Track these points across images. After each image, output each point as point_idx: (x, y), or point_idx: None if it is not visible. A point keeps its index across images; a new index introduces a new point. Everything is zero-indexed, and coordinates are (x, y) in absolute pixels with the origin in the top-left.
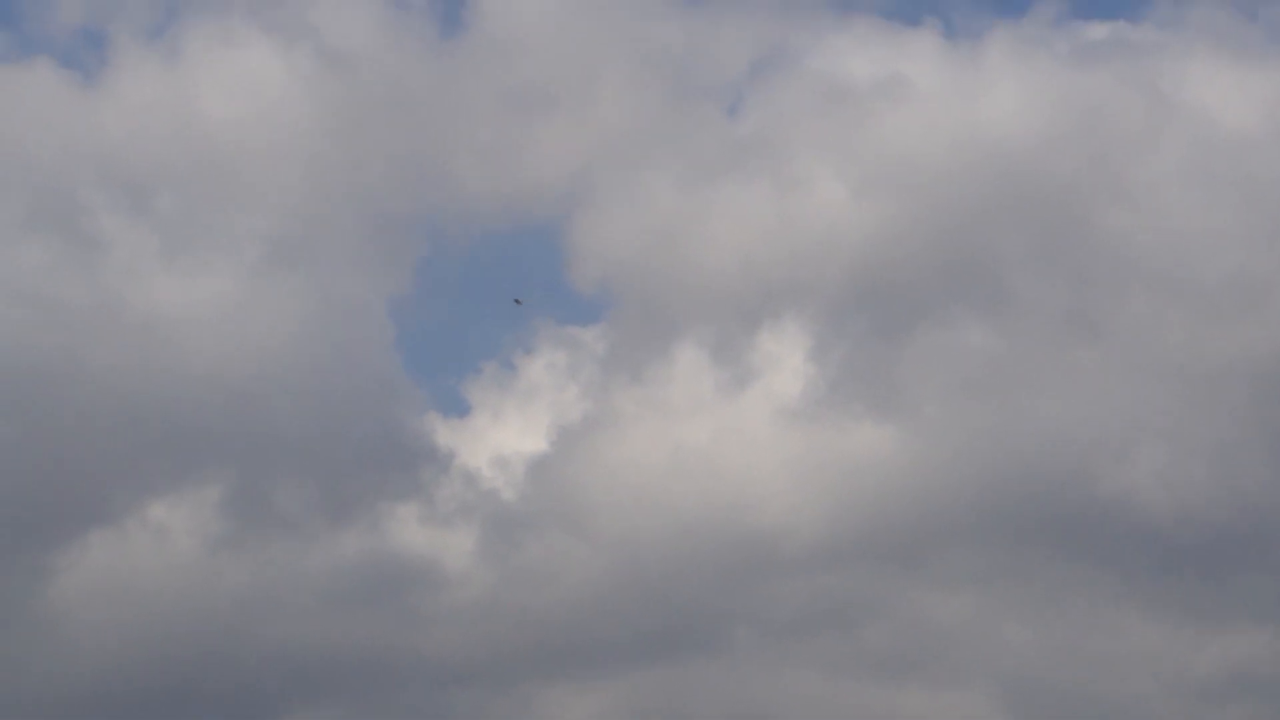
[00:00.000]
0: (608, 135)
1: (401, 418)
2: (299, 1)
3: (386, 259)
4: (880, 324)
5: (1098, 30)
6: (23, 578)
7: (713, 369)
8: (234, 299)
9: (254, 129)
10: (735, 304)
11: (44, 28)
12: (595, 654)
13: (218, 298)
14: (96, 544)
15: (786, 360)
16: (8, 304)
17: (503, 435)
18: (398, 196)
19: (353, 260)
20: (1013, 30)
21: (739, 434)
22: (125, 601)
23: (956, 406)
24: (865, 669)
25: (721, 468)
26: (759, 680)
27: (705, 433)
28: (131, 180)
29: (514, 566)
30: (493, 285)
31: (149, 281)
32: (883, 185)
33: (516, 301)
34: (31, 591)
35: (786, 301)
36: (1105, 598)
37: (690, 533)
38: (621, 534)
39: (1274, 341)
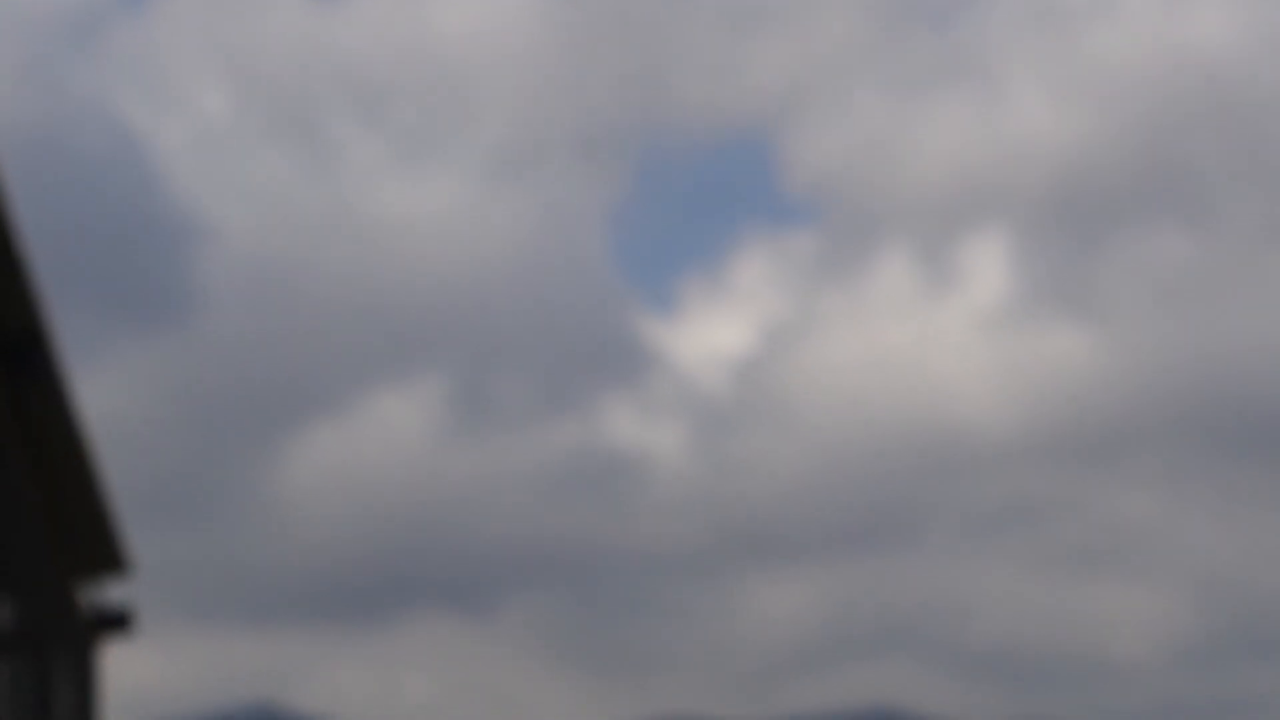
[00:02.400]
0: (821, 49)
1: (616, 318)
2: None
3: (605, 168)
4: (1081, 232)
5: None
6: (256, 466)
7: (917, 274)
8: (461, 204)
9: (483, 42)
10: (940, 212)
11: None
12: (797, 545)
13: (446, 203)
14: (326, 434)
15: (988, 266)
16: (248, 207)
17: (713, 336)
18: (618, 108)
19: (573, 169)
20: None
21: (941, 337)
22: (353, 490)
23: (1154, 313)
24: (1057, 564)
25: (923, 370)
26: (953, 571)
27: (908, 336)
28: (366, 91)
29: (720, 461)
30: (707, 193)
31: (381, 187)
32: (1087, 95)
33: None
34: (265, 478)
35: (990, 210)
36: None
37: (891, 431)
38: (825, 432)
39: None
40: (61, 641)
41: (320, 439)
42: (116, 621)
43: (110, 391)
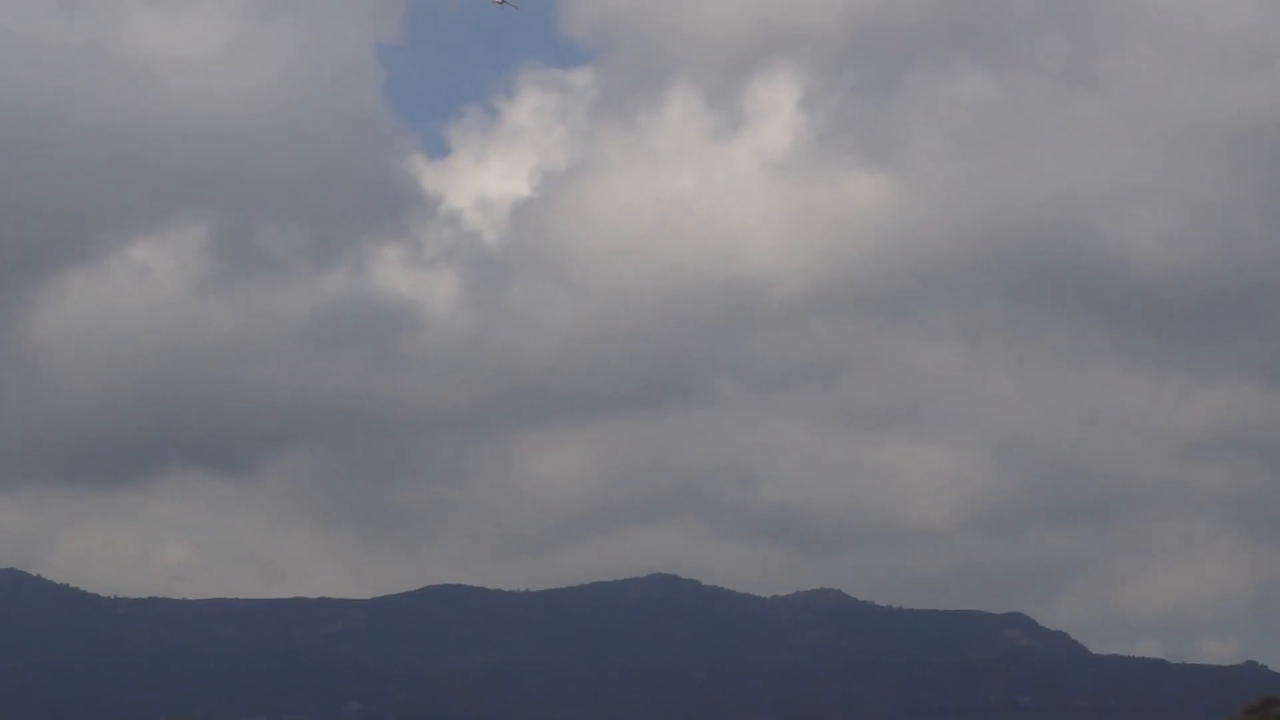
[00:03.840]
0: None
1: (388, 161)
2: None
3: (379, 5)
4: (875, 73)
5: None
6: (2, 315)
7: (703, 116)
8: (223, 41)
9: None
10: (729, 50)
11: None
12: (576, 401)
13: (207, 40)
14: (77, 283)
15: (778, 108)
16: None
17: (487, 178)
18: None
19: (344, 4)
20: None
21: (728, 183)
22: (105, 342)
23: (951, 159)
24: (850, 420)
25: (709, 217)
26: (741, 431)
27: (693, 180)
28: None
29: (496, 311)
30: (482, 30)
31: (137, 22)
32: None
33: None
34: (10, 329)
35: (781, 48)
36: (1095, 355)
37: (675, 281)
38: (605, 281)
39: (1276, 99)
40: None
41: (71, 289)
42: None
43: None
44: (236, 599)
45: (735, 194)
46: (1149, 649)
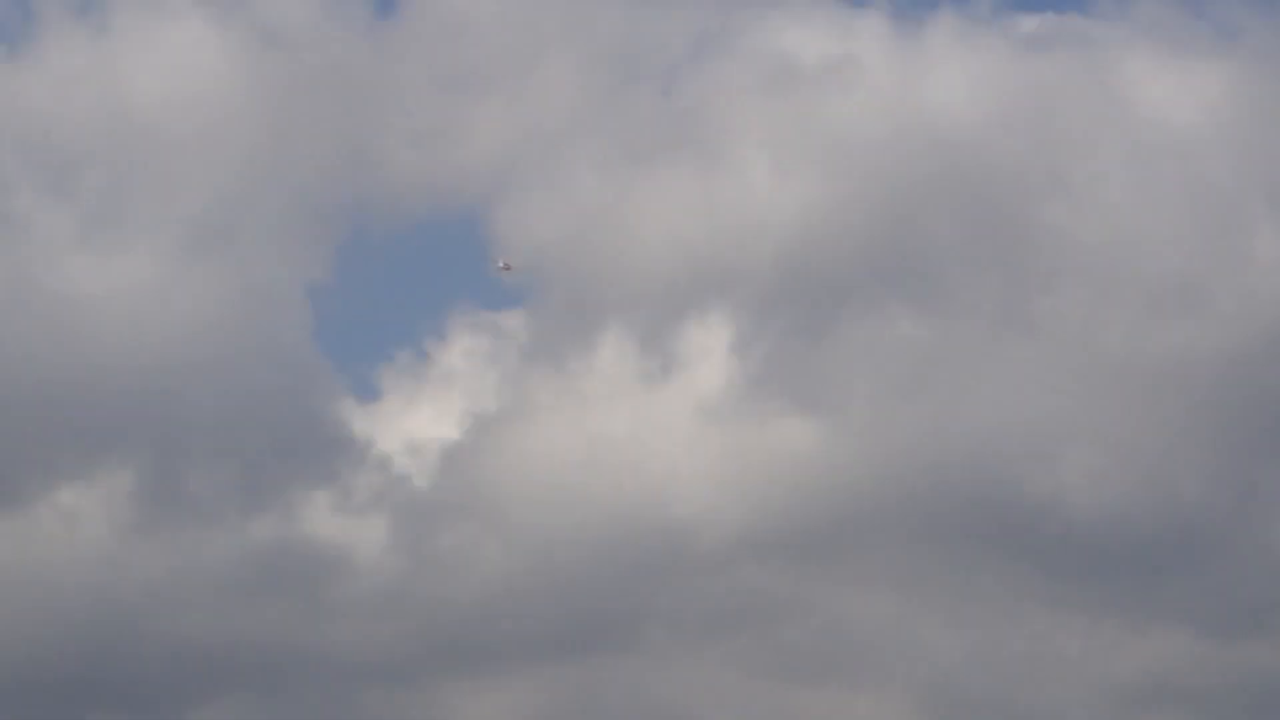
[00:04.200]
0: (539, 120)
1: (317, 404)
2: None
3: (309, 244)
4: (808, 315)
5: (1044, 21)
6: None
7: (636, 359)
8: (152, 282)
9: (182, 107)
10: (661, 292)
11: None
12: (506, 649)
13: (136, 280)
14: (3, 530)
15: (711, 352)
16: None
17: (417, 422)
18: (324, 181)
19: (275, 245)
20: (959, 15)
21: (659, 426)
22: (29, 589)
23: (883, 402)
24: (782, 669)
25: (640, 461)
26: (672, 679)
27: (625, 424)
28: (53, 156)
29: (425, 557)
30: (414, 272)
31: (66, 262)
32: (818, 169)
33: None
34: None
35: (714, 290)
36: (1029, 600)
37: (606, 526)
38: (535, 526)
39: (1212, 345)
40: None
41: None
42: None
43: None
44: None
45: (667, 438)
46: None
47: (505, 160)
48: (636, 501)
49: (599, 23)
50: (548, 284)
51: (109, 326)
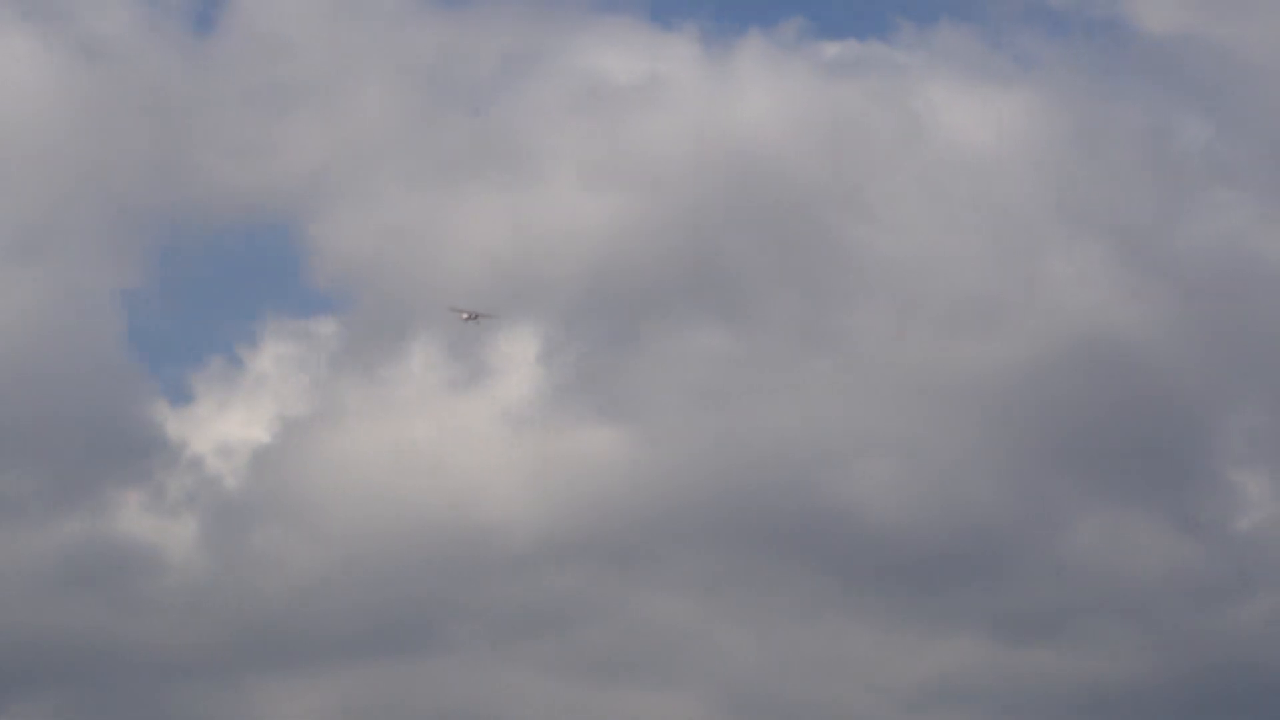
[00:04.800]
0: (354, 135)
1: (129, 406)
2: None
3: (125, 252)
4: (614, 326)
5: (847, 47)
6: None
7: (445, 367)
8: None
9: (1, 117)
10: (471, 301)
11: None
12: (315, 647)
13: None
14: None
15: (519, 361)
16: None
17: (229, 425)
18: (142, 190)
19: (92, 252)
20: (767, 39)
21: (467, 432)
22: None
23: (687, 412)
24: (583, 670)
25: (447, 465)
26: (476, 679)
27: (433, 430)
28: None
29: (235, 556)
30: (228, 279)
31: None
32: (626, 186)
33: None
34: None
35: (522, 301)
36: (825, 606)
37: (413, 529)
38: (344, 528)
39: (1005, 362)
40: None
41: None
42: None
43: None
44: None
45: (474, 444)
46: None
47: (319, 173)
48: (443, 505)
49: (412, 41)
50: (359, 293)
51: None
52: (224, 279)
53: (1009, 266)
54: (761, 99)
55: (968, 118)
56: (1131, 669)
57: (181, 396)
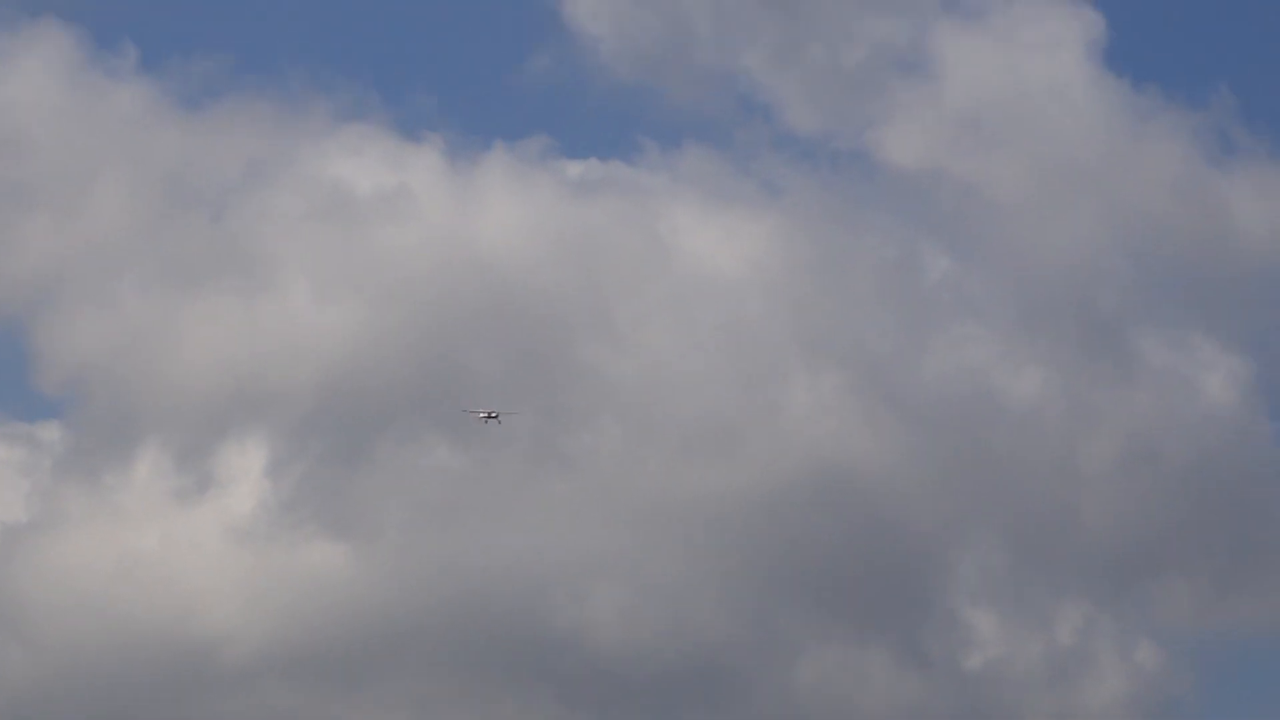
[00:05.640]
0: (89, 237)
1: None
2: None
3: None
4: (344, 440)
5: (589, 166)
6: None
7: (171, 477)
8: None
9: None
10: (201, 411)
11: None
12: None
13: None
14: None
15: (246, 472)
16: None
17: None
18: None
19: None
20: (511, 155)
21: (191, 544)
22: None
23: (416, 529)
24: None
25: (170, 577)
26: None
27: (157, 540)
28: None
29: None
30: None
31: None
32: (364, 297)
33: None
34: None
35: (253, 412)
36: None
37: (134, 640)
38: (62, 638)
39: (741, 488)
40: None
41: None
42: None
43: None
44: None
45: (198, 555)
46: None
47: (51, 274)
48: (164, 617)
49: (152, 143)
50: (87, 397)
51: None
52: None
53: (748, 392)
54: (506, 214)
55: (712, 241)
56: None
57: None
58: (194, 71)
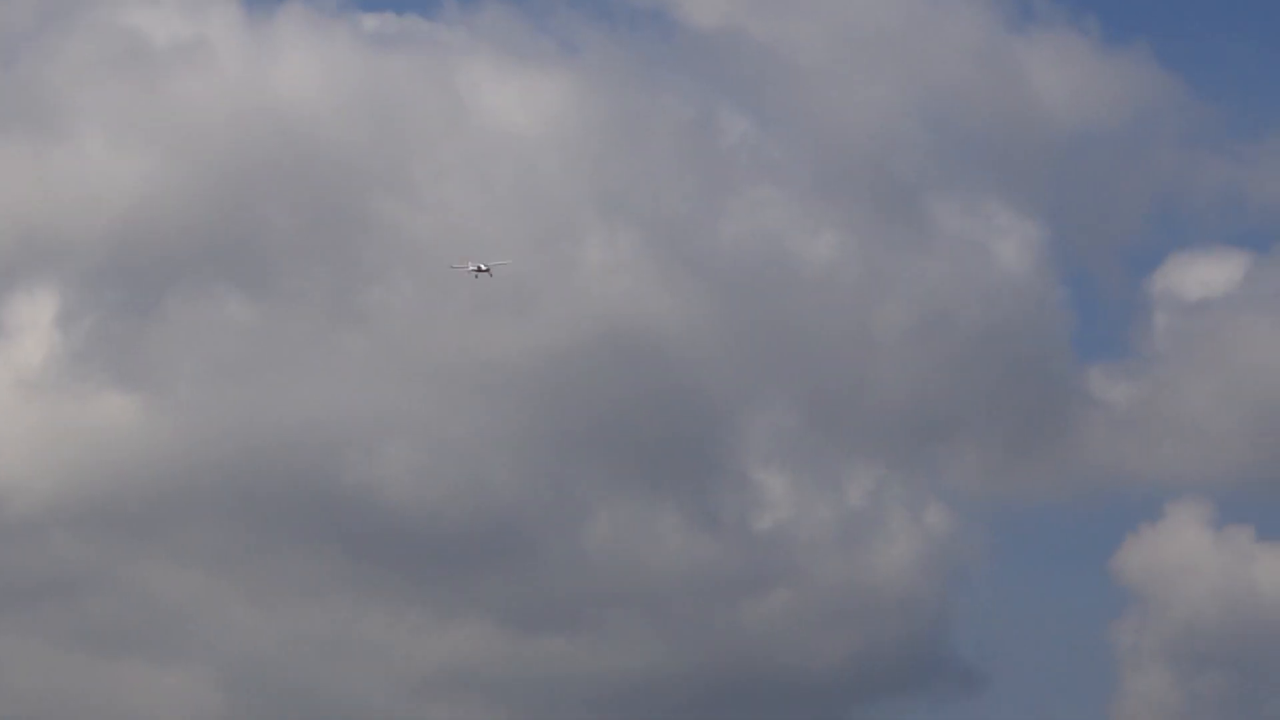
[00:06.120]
0: None
1: None
2: None
3: None
4: (137, 292)
5: (386, 20)
6: None
7: None
8: None
9: None
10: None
11: None
12: None
13: None
14: None
15: (35, 323)
16: None
17: None
18: None
19: None
20: (309, 6)
21: None
22: None
23: (208, 383)
24: (87, 640)
25: None
26: None
27: None
28: None
29: None
30: None
31: None
32: (158, 148)
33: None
34: None
35: (43, 261)
36: (337, 587)
37: None
38: None
39: (535, 347)
40: None
41: None
42: None
43: None
44: None
45: None
46: None
47: None
48: None
49: None
50: None
51: None
52: None
53: (545, 251)
54: (302, 67)
55: (510, 99)
56: (645, 660)
57: None
58: None
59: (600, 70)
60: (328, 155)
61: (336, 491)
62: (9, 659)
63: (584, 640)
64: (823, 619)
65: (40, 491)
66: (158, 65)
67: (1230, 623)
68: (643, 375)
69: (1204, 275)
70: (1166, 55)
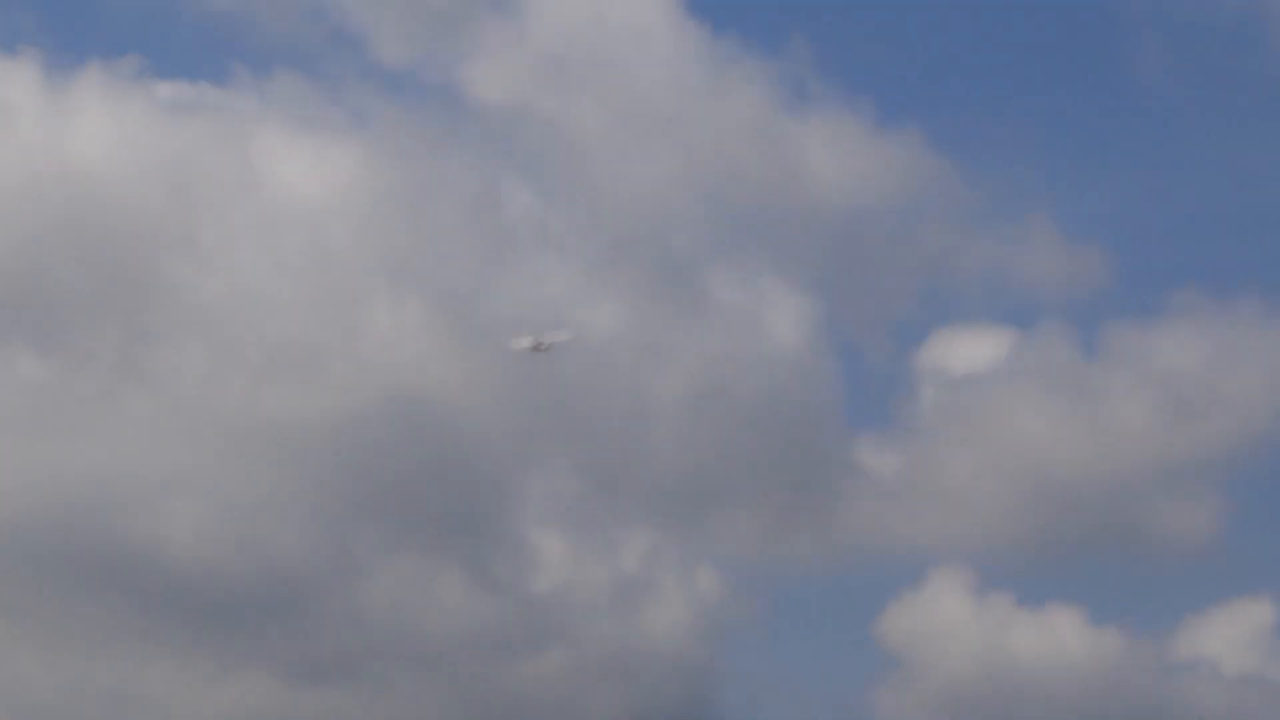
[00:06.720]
0: None
1: None
2: None
3: None
4: None
5: (180, 88)
6: None
7: None
8: None
9: None
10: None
11: None
12: None
13: None
14: None
15: None
16: None
17: None
18: None
19: None
20: (106, 71)
21: None
22: None
23: None
24: None
25: None
26: None
27: None
28: None
29: None
30: None
31: None
32: None
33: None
34: None
35: None
36: (120, 640)
37: None
38: None
39: (318, 411)
40: None
41: None
42: None
43: None
44: None
45: None
46: None
47: None
48: None
49: None
50: None
51: None
52: None
53: (332, 315)
54: (98, 132)
55: (300, 167)
56: (421, 714)
57: None
58: None
59: (389, 141)
60: (120, 218)
61: (123, 547)
62: None
63: (363, 694)
64: (597, 678)
65: None
66: None
67: (988, 685)
68: (426, 440)
69: (968, 351)
70: (936, 138)
